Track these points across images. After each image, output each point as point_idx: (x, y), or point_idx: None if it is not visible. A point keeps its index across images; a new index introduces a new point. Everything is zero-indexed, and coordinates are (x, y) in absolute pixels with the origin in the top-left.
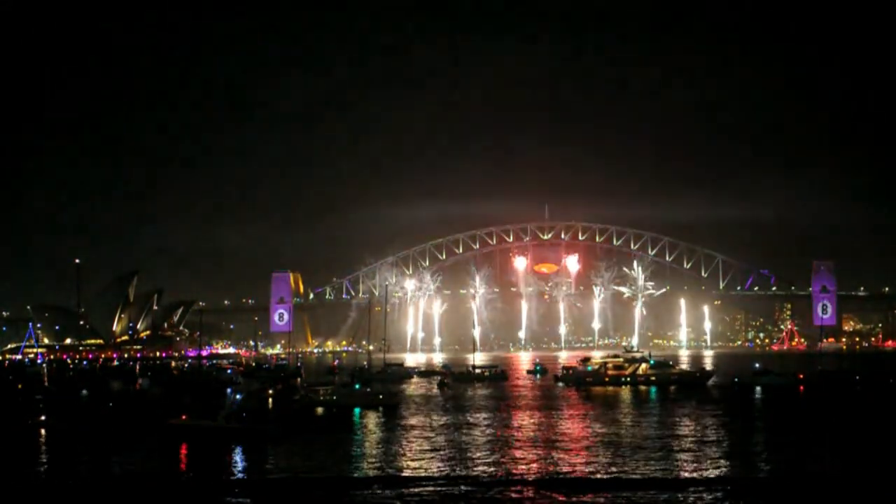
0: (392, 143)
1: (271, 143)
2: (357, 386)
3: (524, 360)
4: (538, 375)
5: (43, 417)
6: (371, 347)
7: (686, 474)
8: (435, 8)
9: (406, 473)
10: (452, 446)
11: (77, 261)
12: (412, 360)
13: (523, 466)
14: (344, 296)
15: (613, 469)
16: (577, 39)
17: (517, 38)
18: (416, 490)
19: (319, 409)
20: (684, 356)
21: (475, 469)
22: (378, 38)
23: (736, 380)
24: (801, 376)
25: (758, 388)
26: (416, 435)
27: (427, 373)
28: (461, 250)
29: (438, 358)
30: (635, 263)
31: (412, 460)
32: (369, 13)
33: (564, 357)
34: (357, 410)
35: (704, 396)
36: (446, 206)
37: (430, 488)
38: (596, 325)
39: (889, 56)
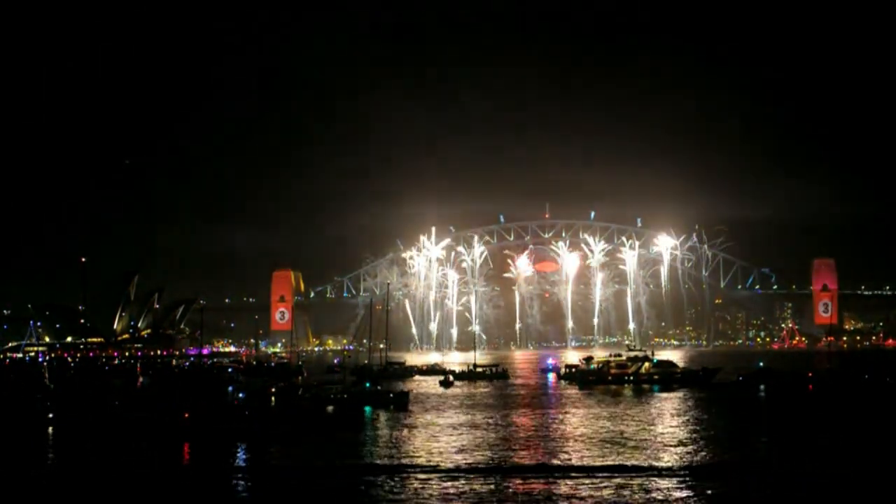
0: (393, 142)
1: (272, 142)
2: (367, 385)
3: (525, 358)
4: (550, 374)
5: (51, 415)
6: (381, 346)
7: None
8: (436, 5)
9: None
10: (463, 441)
11: (83, 259)
12: (420, 360)
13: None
14: (345, 294)
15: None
16: (579, 39)
17: (519, 39)
18: (430, 482)
19: (329, 408)
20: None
21: (483, 461)
22: (378, 37)
23: (740, 378)
24: (811, 374)
25: (762, 387)
26: (428, 432)
27: (428, 371)
28: (462, 249)
29: (447, 358)
30: (636, 262)
31: (428, 454)
32: (369, 9)
33: (570, 356)
34: (368, 409)
35: (708, 395)
36: (447, 205)
37: (444, 480)
38: (596, 323)
39: (889, 55)
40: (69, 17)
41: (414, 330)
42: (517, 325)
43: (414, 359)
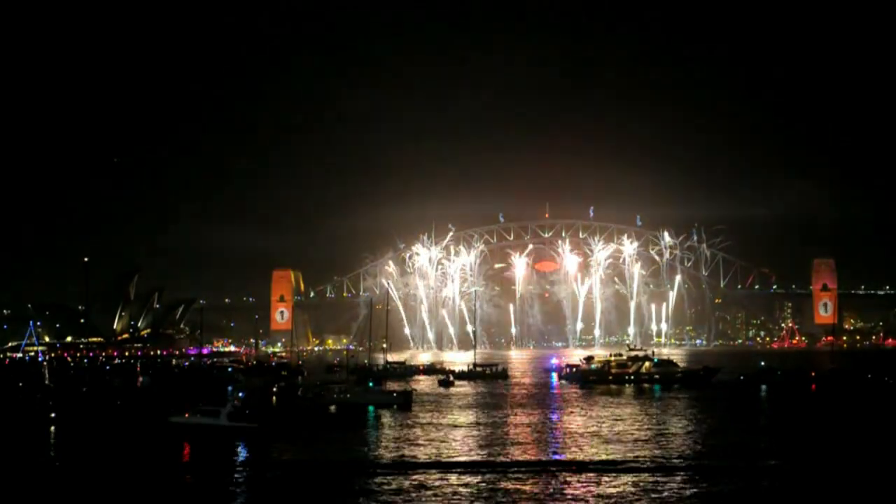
0: (393, 142)
1: (272, 142)
2: (371, 384)
3: (525, 358)
4: (553, 373)
5: (51, 415)
6: (385, 346)
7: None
8: (435, 6)
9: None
10: (466, 439)
11: (86, 259)
12: (419, 360)
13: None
14: (345, 294)
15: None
16: (578, 39)
17: (519, 37)
18: (432, 479)
19: (332, 407)
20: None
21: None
22: (377, 38)
23: (742, 378)
24: (813, 374)
25: (763, 386)
26: (430, 430)
27: (428, 371)
28: (462, 248)
29: (447, 357)
30: (636, 261)
31: (431, 451)
32: (364, 6)
33: (574, 356)
34: (371, 409)
35: (709, 394)
36: (447, 204)
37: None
38: (597, 323)
39: (888, 56)
40: (70, 17)
41: (407, 330)
42: (514, 326)
43: (411, 359)
